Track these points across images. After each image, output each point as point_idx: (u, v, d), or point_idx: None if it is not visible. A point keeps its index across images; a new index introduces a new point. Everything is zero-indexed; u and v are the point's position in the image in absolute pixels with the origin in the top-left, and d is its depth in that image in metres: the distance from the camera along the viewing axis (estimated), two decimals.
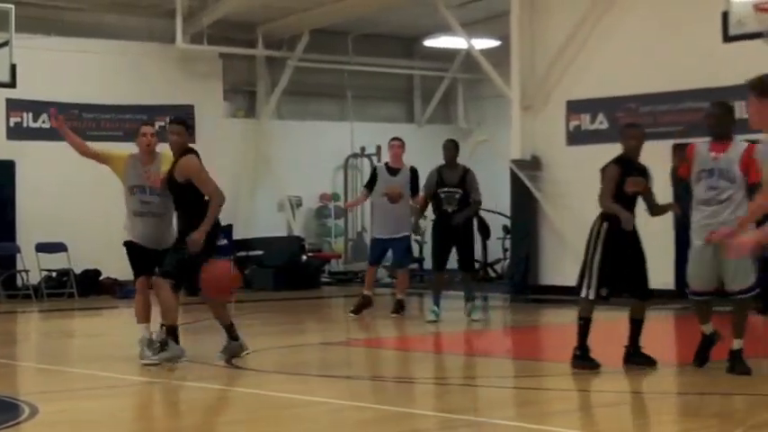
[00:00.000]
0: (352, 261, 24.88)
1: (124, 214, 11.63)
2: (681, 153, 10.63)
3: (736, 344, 9.76)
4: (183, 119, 11.48)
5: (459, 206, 15.34)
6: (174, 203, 11.15)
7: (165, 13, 22.43)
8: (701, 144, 10.01)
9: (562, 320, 14.55)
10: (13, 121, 21.48)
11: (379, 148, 24.08)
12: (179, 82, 22.70)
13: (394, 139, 16.50)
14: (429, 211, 16.23)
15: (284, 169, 23.93)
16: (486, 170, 18.84)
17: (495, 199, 20.73)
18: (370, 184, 16.32)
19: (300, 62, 24.16)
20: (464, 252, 15.62)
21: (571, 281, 17.70)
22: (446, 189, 15.37)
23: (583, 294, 10.18)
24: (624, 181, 10.21)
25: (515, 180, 19.82)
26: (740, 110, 16.95)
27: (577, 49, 19.15)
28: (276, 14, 23.16)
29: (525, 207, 19.83)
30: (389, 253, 16.45)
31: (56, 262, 20.48)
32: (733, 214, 9.61)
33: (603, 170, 10.43)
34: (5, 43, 18.00)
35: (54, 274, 20.82)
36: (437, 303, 15.44)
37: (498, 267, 24.05)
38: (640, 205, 10.41)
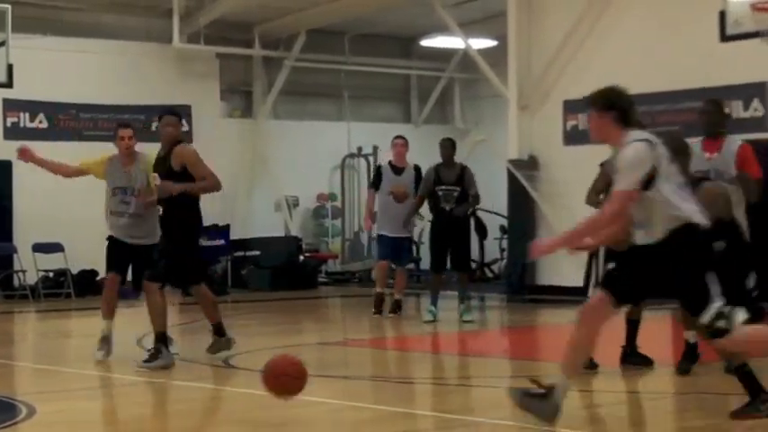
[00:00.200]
0: (349, 261, 24.89)
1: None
2: None
3: None
4: (176, 111, 11.43)
5: (457, 204, 15.34)
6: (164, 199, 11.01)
7: (162, 13, 22.43)
8: (694, 145, 9.91)
9: (559, 321, 14.56)
10: (9, 121, 21.48)
11: (375, 148, 24.10)
12: (176, 82, 22.70)
13: (397, 137, 16.48)
14: (426, 212, 16.25)
15: (281, 169, 23.93)
16: (484, 170, 18.82)
17: (493, 199, 20.72)
18: (376, 184, 16.30)
19: (297, 62, 24.16)
20: (459, 252, 15.60)
21: (568, 281, 17.76)
22: (444, 187, 15.36)
23: (589, 295, 10.16)
24: None
25: (512, 180, 19.82)
26: (738, 109, 17.17)
27: (574, 49, 19.15)
28: (273, 14, 23.16)
29: (522, 207, 19.82)
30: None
31: (53, 262, 20.47)
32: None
33: (602, 165, 10.41)
34: (2, 43, 17.98)
35: (51, 275, 20.82)
36: (434, 303, 15.43)
37: (495, 267, 24.06)
38: None
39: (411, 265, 21.20)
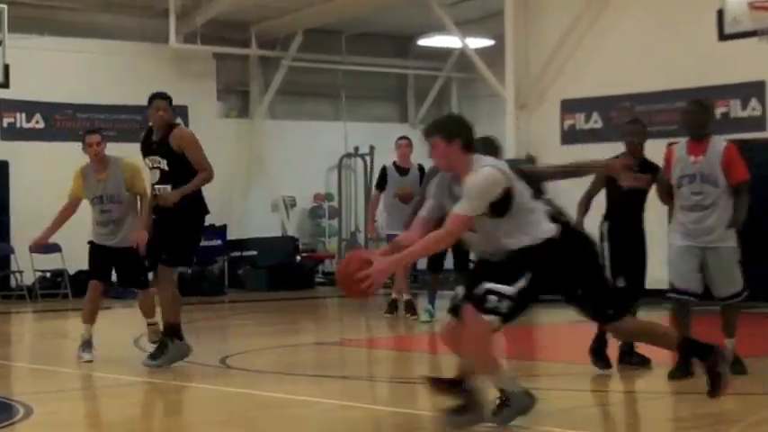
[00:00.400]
0: None
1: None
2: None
3: (729, 343, 9.69)
4: (166, 94, 11.05)
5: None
6: (159, 176, 10.77)
7: (158, 13, 22.42)
8: (678, 147, 9.77)
9: (557, 320, 14.52)
10: (6, 121, 21.46)
11: (372, 147, 24.07)
12: (172, 82, 22.59)
13: (402, 138, 16.41)
14: None
15: (278, 169, 23.92)
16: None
17: None
18: (381, 185, 16.20)
19: (294, 62, 24.15)
20: (459, 252, 15.56)
21: None
22: None
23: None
24: (619, 178, 10.15)
25: None
26: (736, 108, 17.17)
27: (572, 49, 19.15)
28: (270, 14, 23.14)
29: None
30: None
31: (50, 262, 20.43)
32: (719, 220, 9.53)
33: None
34: None
35: (48, 275, 20.80)
36: (432, 303, 15.40)
37: None
38: (649, 205, 10.25)
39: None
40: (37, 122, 21.69)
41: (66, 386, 10.33)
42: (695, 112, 9.78)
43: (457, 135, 7.30)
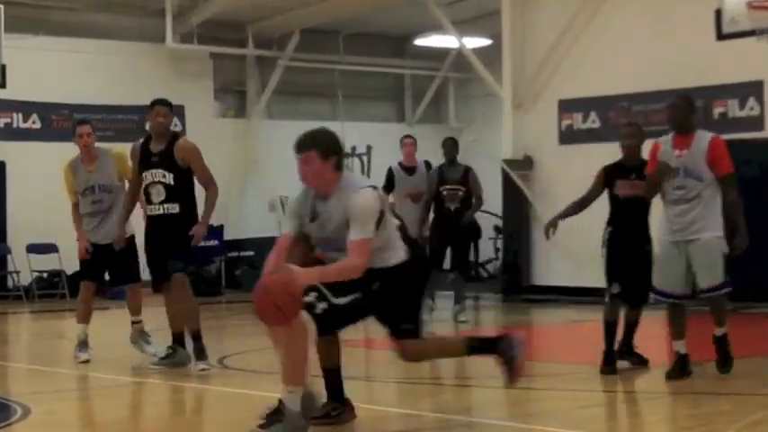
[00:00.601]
0: None
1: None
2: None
3: (719, 331, 9.68)
4: (167, 101, 11.05)
5: (461, 204, 15.32)
6: (165, 192, 10.71)
7: (154, 13, 22.40)
8: (664, 142, 9.72)
9: (554, 320, 14.55)
10: (2, 121, 21.45)
11: (369, 147, 24.06)
12: (169, 82, 22.63)
13: (406, 137, 16.27)
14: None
15: (275, 169, 23.87)
16: (478, 170, 18.76)
17: (487, 199, 20.68)
18: (389, 187, 15.99)
19: (291, 62, 24.14)
20: (459, 252, 15.57)
21: (563, 281, 17.76)
22: (448, 187, 15.32)
23: (606, 299, 10.13)
24: (615, 186, 10.14)
25: (507, 179, 19.81)
26: (734, 108, 17.16)
27: (569, 48, 19.14)
28: (266, 14, 23.13)
29: (517, 207, 19.81)
30: None
31: (47, 263, 20.44)
32: (702, 213, 9.48)
33: (605, 170, 10.36)
34: None
35: (45, 275, 20.80)
36: (432, 298, 15.31)
37: (490, 267, 24.03)
38: (654, 208, 10.21)
39: None
40: (34, 123, 21.67)
41: (64, 386, 10.32)
42: (680, 107, 9.76)
43: (334, 153, 7.28)
